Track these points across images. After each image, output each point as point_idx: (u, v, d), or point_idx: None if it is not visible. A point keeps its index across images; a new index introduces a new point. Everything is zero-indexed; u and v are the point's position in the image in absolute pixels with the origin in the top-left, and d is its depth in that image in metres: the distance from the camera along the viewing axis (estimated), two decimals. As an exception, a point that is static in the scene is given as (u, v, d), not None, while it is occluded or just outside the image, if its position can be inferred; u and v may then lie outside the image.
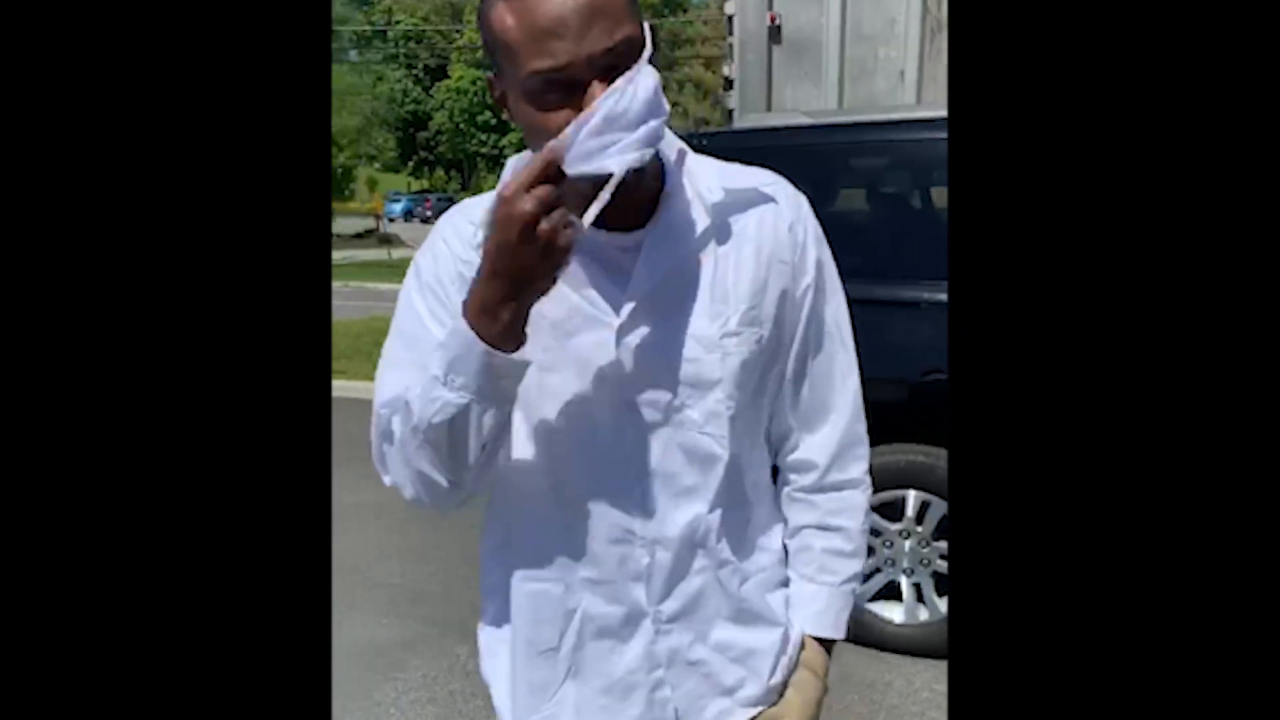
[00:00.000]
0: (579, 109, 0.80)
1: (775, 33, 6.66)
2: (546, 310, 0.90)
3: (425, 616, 3.16)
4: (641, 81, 0.81)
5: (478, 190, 46.60)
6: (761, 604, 1.05)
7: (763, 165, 1.03)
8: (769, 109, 6.58)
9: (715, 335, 0.95)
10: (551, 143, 0.81)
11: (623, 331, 0.93)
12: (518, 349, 0.85)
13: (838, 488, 1.07)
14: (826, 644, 1.08)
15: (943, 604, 2.81)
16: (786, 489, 1.09)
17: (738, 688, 1.04)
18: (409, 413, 0.89)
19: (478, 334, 0.82)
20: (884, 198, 3.06)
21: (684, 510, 0.98)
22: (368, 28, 45.93)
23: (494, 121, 39.86)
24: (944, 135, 2.77)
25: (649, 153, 0.82)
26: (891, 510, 2.82)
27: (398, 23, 45.30)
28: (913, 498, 2.78)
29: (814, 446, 1.06)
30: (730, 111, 6.68)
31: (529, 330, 0.86)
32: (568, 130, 0.80)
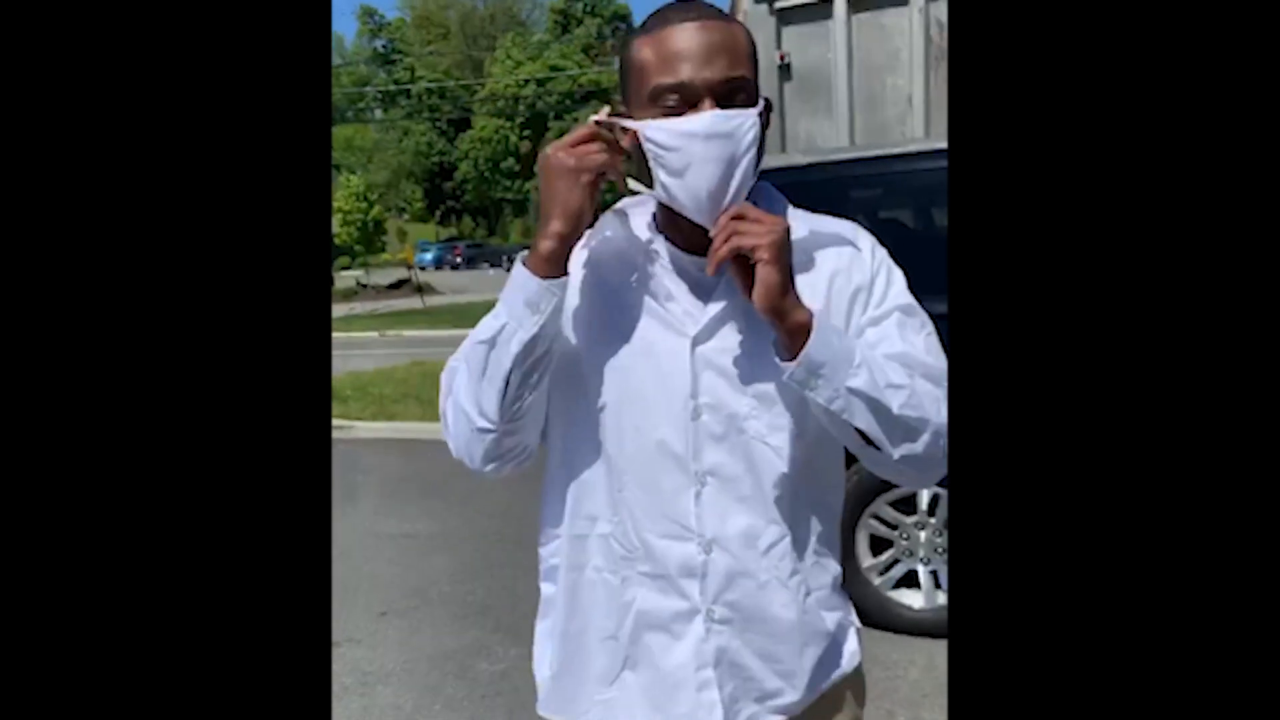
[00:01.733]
0: None
1: (785, 70, 6.84)
2: (631, 318, 1.02)
3: (490, 625, 3.46)
4: (751, 121, 0.95)
5: (505, 235, 47.40)
6: (816, 622, 1.07)
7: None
8: (783, 143, 6.81)
9: None
10: (595, 116, 0.96)
11: (697, 341, 1.01)
12: (552, 277, 0.95)
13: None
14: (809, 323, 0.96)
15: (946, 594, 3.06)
16: None
17: (774, 695, 1.06)
18: (463, 352, 1.01)
19: (521, 264, 0.98)
20: (882, 223, 3.37)
21: (742, 516, 1.02)
22: (392, 86, 47.21)
23: (517, 168, 40.61)
24: (927, 166, 3.09)
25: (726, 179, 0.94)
26: (907, 505, 3.09)
27: (420, 79, 46.53)
28: (926, 492, 3.06)
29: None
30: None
31: (617, 327, 1.00)
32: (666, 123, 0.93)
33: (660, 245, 1.06)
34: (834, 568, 1.11)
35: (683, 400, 1.01)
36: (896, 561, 3.14)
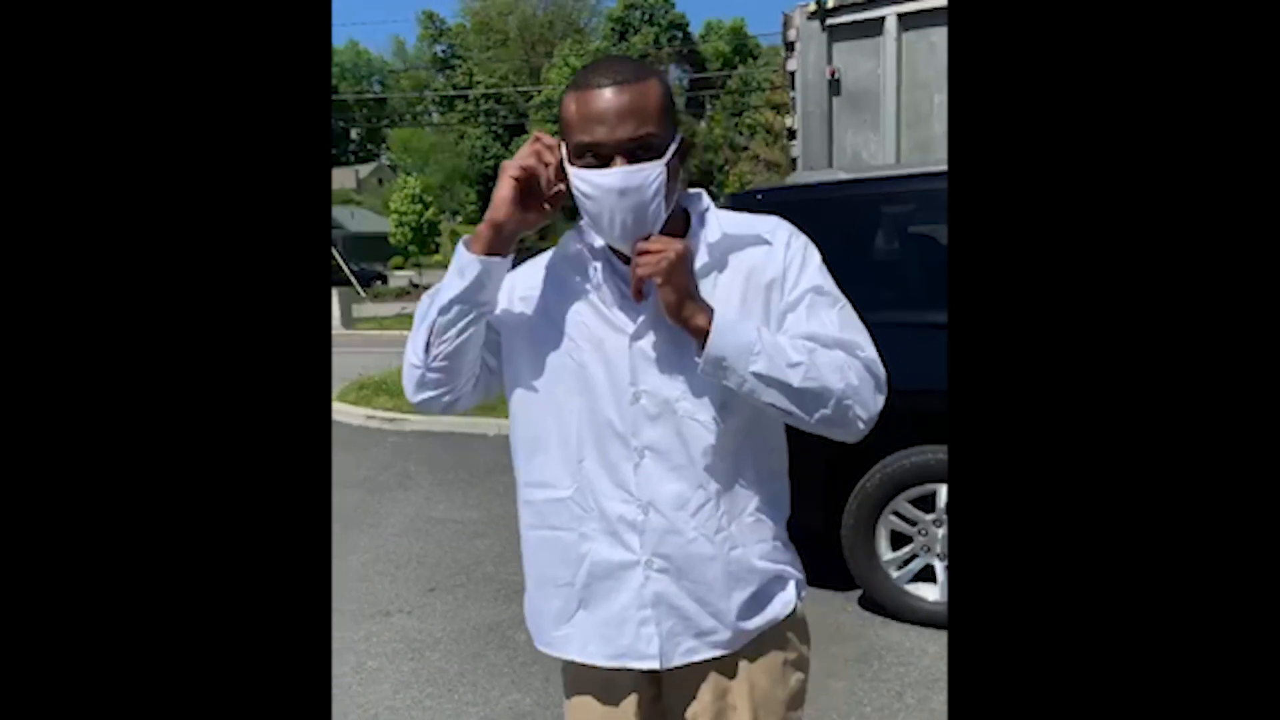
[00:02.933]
0: None
1: (835, 85, 6.87)
2: (584, 319, 1.22)
3: (528, 602, 3.70)
4: (657, 172, 1.12)
5: (555, 239, 47.38)
6: (743, 573, 1.23)
7: (807, 215, 1.33)
8: (830, 156, 6.87)
9: None
10: (544, 137, 1.16)
11: (634, 338, 1.20)
12: (478, 253, 1.18)
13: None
14: (708, 323, 1.14)
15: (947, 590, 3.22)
16: None
17: (709, 633, 1.23)
18: (415, 337, 1.24)
19: (461, 241, 1.21)
20: (912, 237, 3.55)
21: (673, 483, 1.20)
22: (451, 90, 48.05)
23: (570, 173, 40.95)
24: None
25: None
26: (926, 504, 3.26)
27: (478, 83, 47.28)
28: (944, 491, 3.22)
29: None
30: (794, 159, 6.88)
31: (572, 326, 1.21)
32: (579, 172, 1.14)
33: (604, 258, 1.25)
34: (775, 525, 1.27)
35: (624, 387, 1.20)
36: (914, 556, 3.31)
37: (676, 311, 1.14)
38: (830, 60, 6.66)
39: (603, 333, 1.22)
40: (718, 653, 1.24)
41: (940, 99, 6.81)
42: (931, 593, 3.29)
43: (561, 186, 1.19)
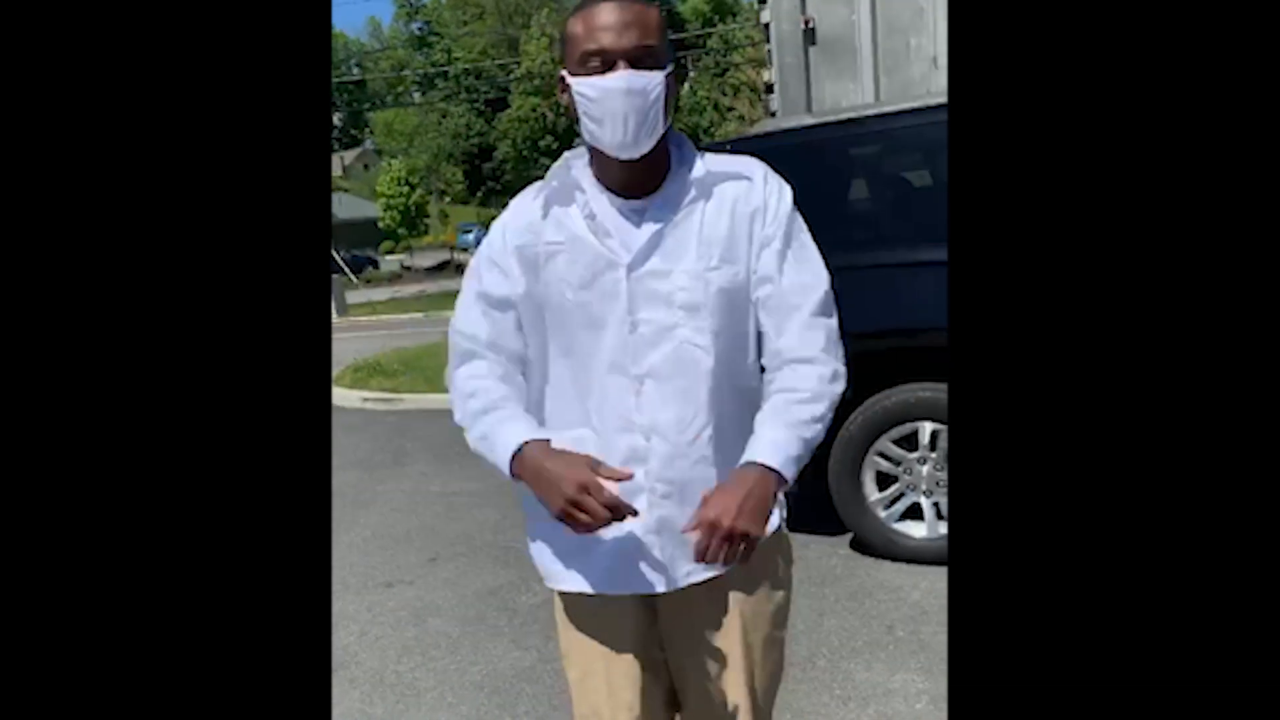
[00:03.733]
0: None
1: (810, 34, 6.79)
2: (581, 256, 1.24)
3: (528, 566, 3.75)
4: (658, 80, 1.18)
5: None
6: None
7: (776, 159, 1.32)
8: (809, 107, 6.83)
9: (700, 269, 1.23)
10: (585, 479, 1.15)
11: (630, 269, 1.23)
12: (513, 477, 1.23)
13: (797, 363, 1.26)
14: (775, 476, 1.19)
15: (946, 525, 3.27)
16: (766, 380, 1.30)
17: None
18: (461, 410, 1.32)
19: (511, 466, 1.22)
20: (882, 177, 3.55)
21: (675, 406, 1.24)
22: (430, 68, 47.58)
23: (556, 146, 40.69)
24: (917, 122, 3.27)
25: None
26: (909, 442, 3.30)
27: (457, 60, 46.81)
28: (928, 428, 3.26)
29: (780, 342, 1.28)
30: (774, 113, 6.82)
31: (567, 264, 1.23)
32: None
33: (597, 191, 1.28)
34: None
35: (621, 317, 1.24)
36: (901, 495, 3.36)
37: (766, 517, 1.18)
38: (804, 10, 6.60)
39: (599, 266, 1.25)
40: (713, 573, 1.27)
41: (916, 42, 6.77)
42: (918, 529, 3.34)
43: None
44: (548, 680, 2.77)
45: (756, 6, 7.06)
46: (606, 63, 1.19)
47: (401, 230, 27.27)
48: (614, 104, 1.18)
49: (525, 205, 1.33)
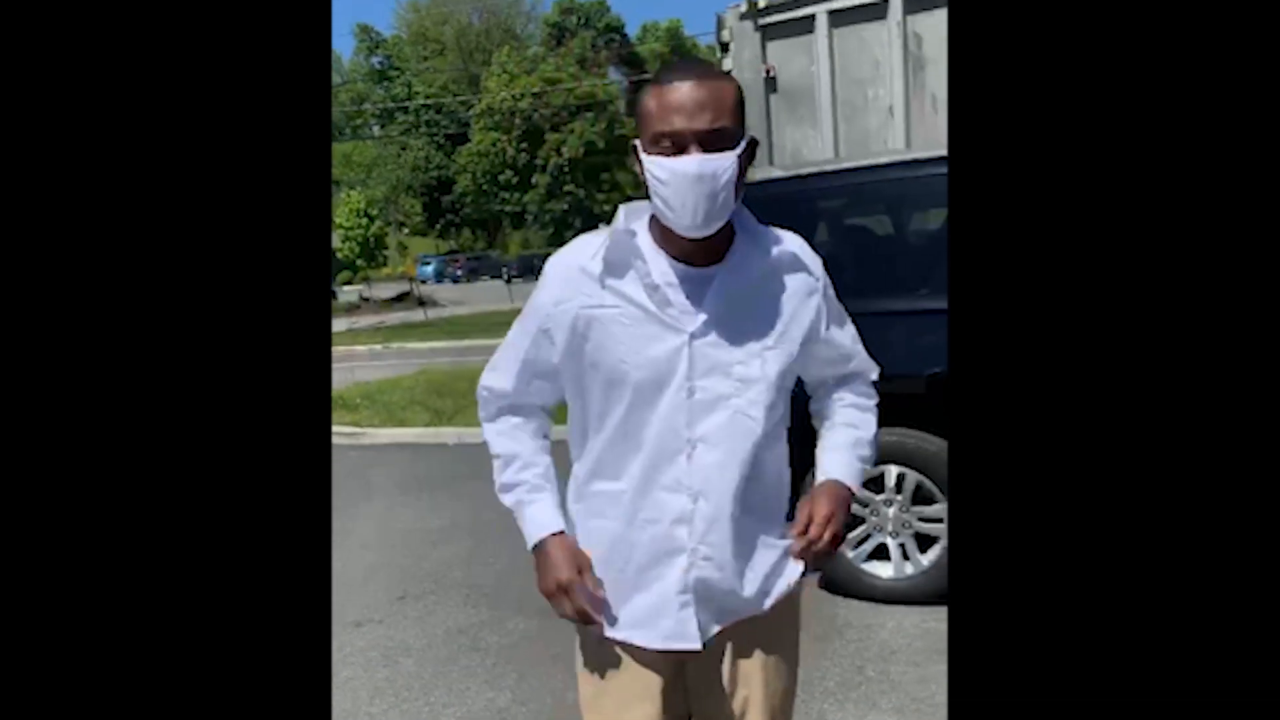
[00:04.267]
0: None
1: (771, 83, 6.99)
2: (640, 320, 1.27)
3: (498, 604, 3.76)
4: (729, 163, 1.20)
5: (504, 246, 47.68)
6: (770, 547, 1.36)
7: (753, 209, 1.38)
8: (770, 152, 7.00)
9: (759, 348, 1.29)
10: (575, 600, 1.31)
11: (694, 337, 1.27)
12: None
13: (841, 397, 1.48)
14: (850, 492, 1.39)
15: (924, 559, 3.37)
16: (827, 399, 1.49)
17: (736, 611, 1.35)
18: (497, 469, 1.43)
19: (542, 549, 1.35)
20: (849, 229, 3.69)
21: (724, 471, 1.28)
22: (390, 102, 47.59)
23: (515, 180, 40.83)
24: (886, 177, 3.42)
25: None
26: (876, 484, 3.40)
27: (417, 94, 46.90)
28: (893, 471, 3.36)
29: (822, 385, 1.49)
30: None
31: (625, 330, 1.28)
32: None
33: (658, 258, 1.30)
34: (787, 502, 1.42)
35: (680, 383, 1.27)
36: (868, 536, 3.45)
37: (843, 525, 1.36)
38: (765, 59, 6.75)
39: (659, 333, 1.27)
40: (732, 619, 1.35)
41: (874, 93, 6.99)
42: (886, 569, 3.43)
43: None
44: (524, 721, 2.78)
45: (718, 54, 7.24)
46: (678, 145, 1.19)
47: (360, 261, 27.08)
48: (684, 188, 1.19)
49: (583, 263, 1.32)
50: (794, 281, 1.34)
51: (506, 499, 1.42)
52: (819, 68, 6.67)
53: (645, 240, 1.32)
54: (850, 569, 3.44)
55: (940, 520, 3.32)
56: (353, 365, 11.78)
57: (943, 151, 3.65)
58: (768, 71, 6.79)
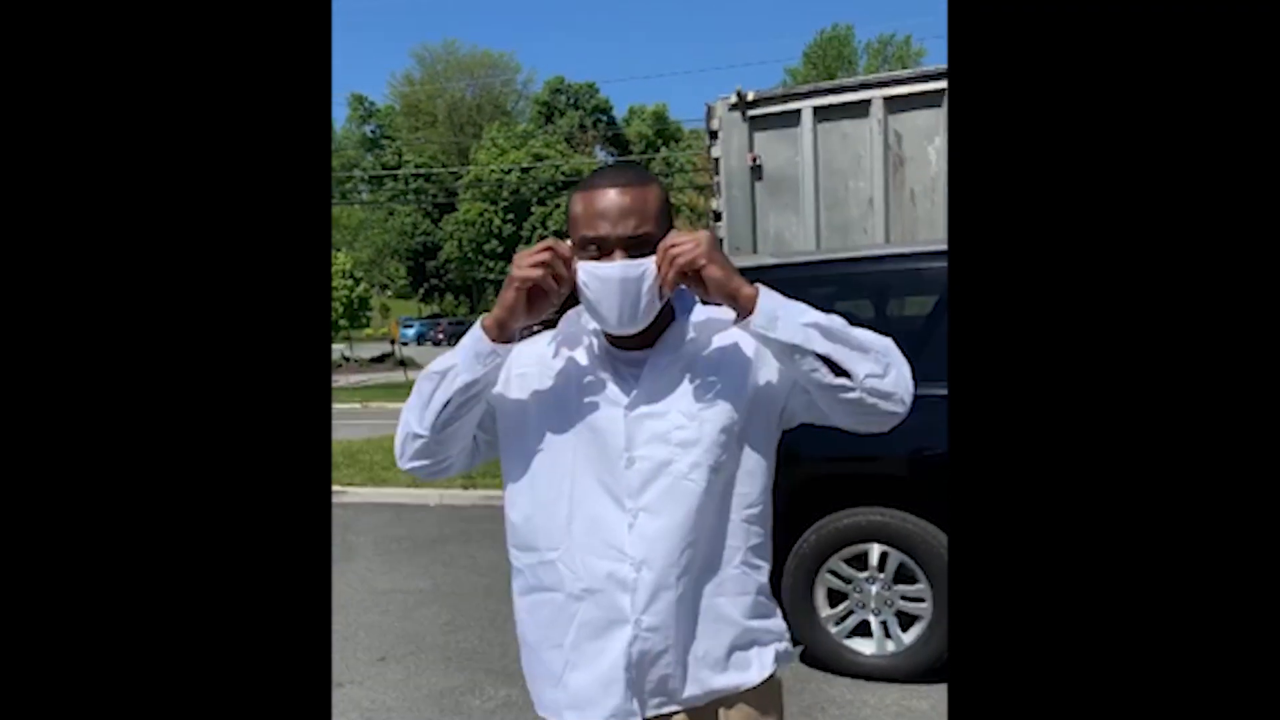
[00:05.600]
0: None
1: (757, 171, 7.19)
2: (580, 395, 1.30)
3: (480, 668, 3.76)
4: (651, 267, 1.22)
5: (486, 311, 47.14)
6: (729, 623, 1.29)
7: None
8: (754, 237, 7.19)
9: (695, 410, 1.28)
10: (552, 241, 1.23)
11: (629, 408, 1.28)
12: (495, 340, 1.25)
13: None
14: (754, 294, 1.20)
15: (906, 636, 3.44)
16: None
17: (680, 690, 1.28)
18: (415, 400, 1.29)
19: (480, 326, 1.26)
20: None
21: (667, 539, 1.26)
22: (380, 169, 48.28)
23: (500, 249, 41.26)
24: (870, 269, 3.62)
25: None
26: (860, 562, 3.49)
27: (407, 163, 47.65)
28: (876, 550, 3.46)
29: None
30: (720, 240, 7.08)
31: (568, 398, 1.28)
32: (584, 265, 1.23)
33: (598, 342, 1.35)
34: (758, 578, 1.34)
35: (618, 453, 1.28)
36: (851, 613, 3.52)
37: (728, 284, 1.19)
38: (751, 148, 6.97)
39: (598, 406, 1.30)
40: (679, 707, 1.29)
41: (855, 185, 7.24)
42: (868, 646, 3.49)
43: (563, 291, 1.27)
44: (507, 786, 2.78)
45: (707, 140, 7.49)
46: (603, 250, 1.24)
47: (343, 321, 27.07)
48: (609, 290, 1.23)
49: (535, 345, 1.38)
50: (723, 339, 1.32)
51: (415, 406, 1.30)
52: (803, 159, 6.89)
53: (591, 328, 1.35)
54: (832, 645, 3.50)
55: (922, 600, 3.40)
56: (336, 424, 11.73)
57: (921, 246, 3.88)
58: (754, 160, 7.02)
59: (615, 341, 1.33)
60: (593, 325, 1.33)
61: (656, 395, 1.30)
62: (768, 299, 1.21)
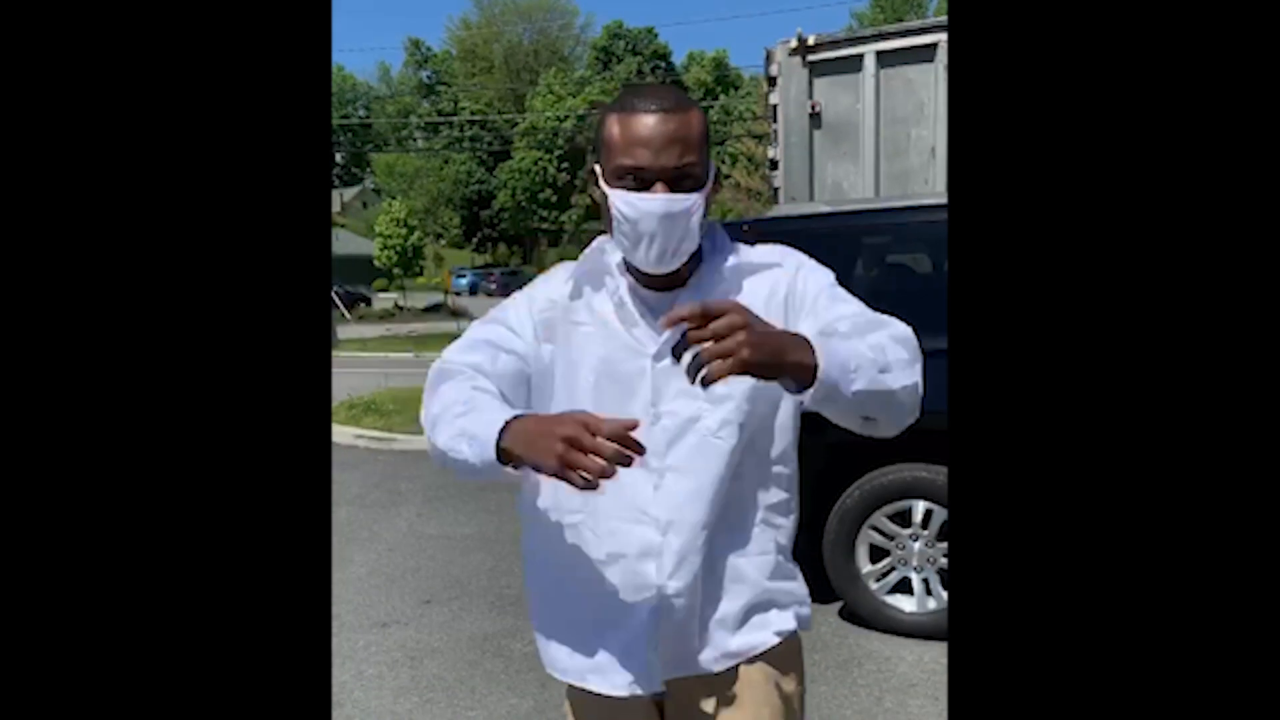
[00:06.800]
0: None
1: (816, 119, 7.03)
2: (604, 343, 1.20)
3: (523, 613, 3.83)
4: (696, 203, 1.13)
5: (540, 263, 47.82)
6: (750, 583, 1.24)
7: (793, 243, 1.28)
8: (811, 186, 7.06)
9: None
10: (577, 436, 0.97)
11: (656, 358, 1.19)
12: (507, 465, 1.06)
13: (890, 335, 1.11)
14: (813, 358, 0.99)
15: (946, 595, 3.39)
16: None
17: (698, 653, 1.23)
18: (441, 430, 1.13)
19: (499, 442, 1.05)
20: (890, 266, 3.75)
21: (694, 500, 1.19)
22: (436, 116, 48.40)
23: (554, 199, 41.25)
24: (928, 218, 3.48)
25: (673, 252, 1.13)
26: (903, 519, 3.43)
27: (463, 109, 47.68)
28: (921, 507, 3.40)
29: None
30: (776, 189, 6.99)
31: (591, 347, 1.19)
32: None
33: (625, 283, 1.24)
34: (778, 537, 1.26)
35: (644, 408, 1.19)
36: (892, 569, 3.48)
37: (778, 368, 0.98)
38: (811, 94, 6.82)
39: (623, 354, 1.22)
40: (710, 670, 1.24)
41: (917, 133, 7.04)
42: (908, 604, 3.46)
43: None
44: (544, 728, 2.84)
45: (765, 87, 7.30)
46: (643, 181, 1.14)
47: (397, 270, 27.42)
48: (648, 227, 1.14)
49: (554, 283, 1.29)
50: (756, 283, 1.23)
51: (444, 438, 1.13)
52: (864, 106, 6.73)
53: (616, 261, 1.24)
54: (873, 602, 3.47)
55: (965, 558, 3.34)
56: (387, 371, 11.96)
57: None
58: (813, 107, 6.86)
59: (642, 280, 1.23)
60: (616, 260, 1.24)
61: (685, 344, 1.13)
62: (829, 366, 0.99)
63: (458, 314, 23.29)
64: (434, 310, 27.22)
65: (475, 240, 49.73)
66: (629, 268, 1.24)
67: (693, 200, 1.15)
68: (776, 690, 1.28)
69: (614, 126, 1.16)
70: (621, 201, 1.15)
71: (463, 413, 1.13)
